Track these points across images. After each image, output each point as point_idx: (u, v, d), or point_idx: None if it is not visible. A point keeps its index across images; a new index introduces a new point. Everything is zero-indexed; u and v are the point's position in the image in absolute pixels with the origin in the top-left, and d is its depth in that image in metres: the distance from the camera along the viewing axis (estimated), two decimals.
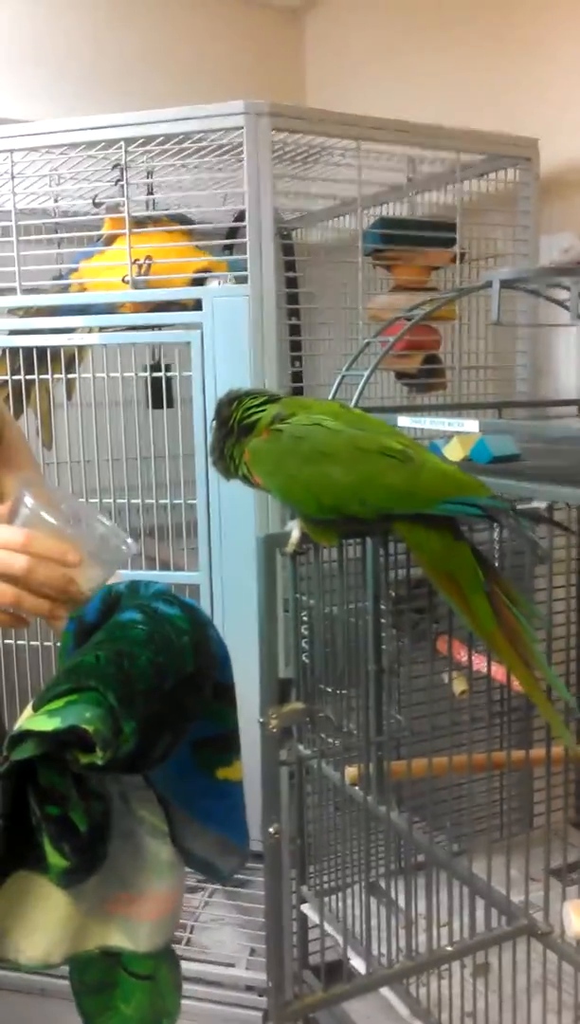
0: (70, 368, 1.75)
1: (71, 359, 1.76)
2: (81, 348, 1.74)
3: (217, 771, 0.91)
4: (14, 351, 1.73)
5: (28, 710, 0.79)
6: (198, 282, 1.65)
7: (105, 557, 0.80)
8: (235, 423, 0.95)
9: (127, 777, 0.84)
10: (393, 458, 0.87)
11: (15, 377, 1.73)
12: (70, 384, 1.79)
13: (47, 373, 1.71)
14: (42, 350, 1.70)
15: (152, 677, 0.78)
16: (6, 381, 1.74)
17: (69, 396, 1.79)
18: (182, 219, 1.75)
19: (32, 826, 0.76)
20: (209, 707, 0.89)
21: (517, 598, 0.90)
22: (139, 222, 1.67)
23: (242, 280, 1.57)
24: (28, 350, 1.70)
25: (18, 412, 1.77)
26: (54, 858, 0.75)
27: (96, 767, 0.74)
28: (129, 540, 0.82)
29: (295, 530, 0.94)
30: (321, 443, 0.88)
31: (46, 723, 0.74)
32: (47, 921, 0.82)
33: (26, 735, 0.74)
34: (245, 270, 1.56)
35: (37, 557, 0.75)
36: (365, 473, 0.87)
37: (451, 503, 0.87)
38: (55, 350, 1.70)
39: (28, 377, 1.72)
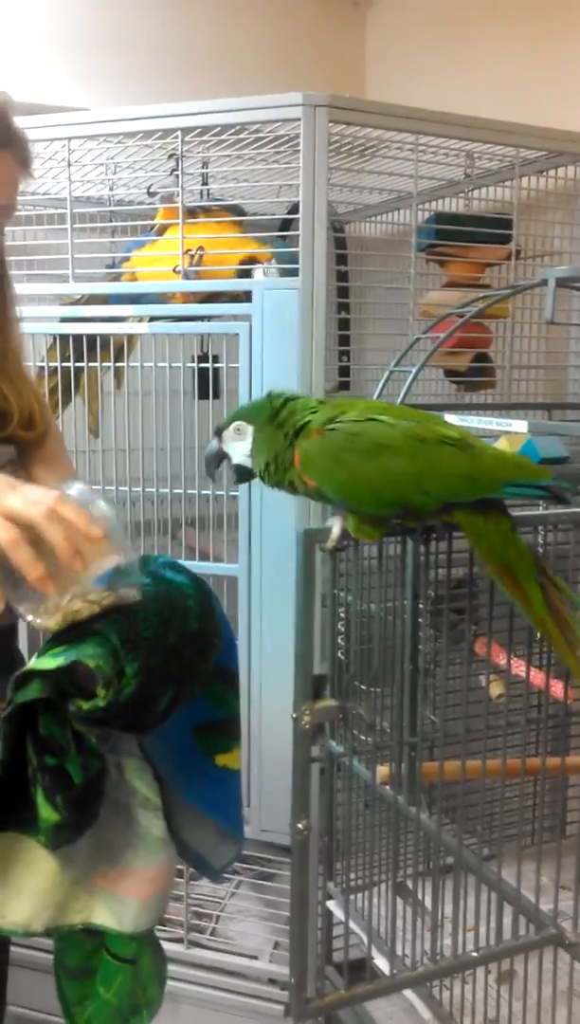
0: (120, 357, 1.76)
1: (121, 348, 1.77)
2: (131, 337, 1.75)
3: (216, 756, 0.92)
4: (64, 339, 1.74)
5: (32, 660, 0.79)
6: (245, 274, 1.65)
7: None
8: (291, 428, 0.90)
9: (124, 746, 0.85)
10: (453, 446, 0.86)
11: (64, 364, 1.74)
12: (119, 373, 1.80)
13: (97, 361, 1.72)
14: (92, 338, 1.71)
15: (156, 627, 0.79)
16: (56, 369, 1.76)
17: (118, 385, 1.80)
18: (236, 210, 1.74)
19: (25, 783, 0.77)
20: (212, 688, 0.89)
21: (564, 588, 0.91)
22: (192, 212, 1.67)
23: (292, 272, 1.56)
24: (79, 338, 1.71)
25: (67, 400, 1.79)
26: (46, 811, 0.76)
27: (98, 713, 0.75)
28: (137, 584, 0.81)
29: (335, 526, 0.93)
30: (379, 436, 0.86)
31: (49, 662, 0.75)
32: (33, 886, 0.82)
33: (30, 676, 0.75)
34: (293, 260, 1.56)
35: (60, 519, 0.73)
36: (427, 462, 0.86)
37: (515, 486, 0.87)
38: (105, 339, 1.71)
39: (78, 364, 1.73)
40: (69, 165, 1.67)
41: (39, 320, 1.75)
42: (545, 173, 1.81)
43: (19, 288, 1.75)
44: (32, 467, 1.11)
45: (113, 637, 0.76)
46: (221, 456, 0.94)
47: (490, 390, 1.80)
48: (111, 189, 1.78)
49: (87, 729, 0.77)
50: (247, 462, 0.93)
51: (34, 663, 0.76)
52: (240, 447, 0.92)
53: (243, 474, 0.94)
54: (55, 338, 1.75)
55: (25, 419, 1.08)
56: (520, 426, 1.26)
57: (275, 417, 0.91)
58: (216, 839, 0.95)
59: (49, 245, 1.73)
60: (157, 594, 0.82)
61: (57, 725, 0.76)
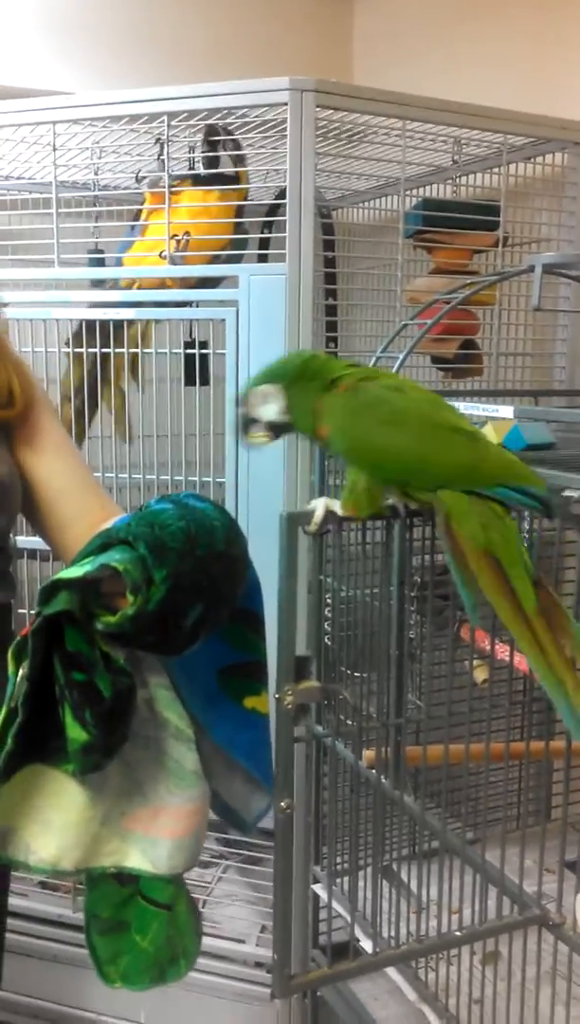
0: (139, 346, 1.75)
1: (142, 337, 1.76)
2: (146, 327, 1.73)
3: (244, 699, 0.91)
4: (89, 325, 1.72)
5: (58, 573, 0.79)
6: (232, 259, 1.64)
7: None
8: (327, 377, 0.93)
9: (154, 678, 0.83)
10: (462, 437, 0.89)
11: (85, 349, 1.73)
12: (134, 364, 1.78)
13: (121, 347, 1.70)
14: (118, 325, 1.68)
15: (184, 541, 0.79)
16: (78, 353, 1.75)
17: (134, 376, 1.77)
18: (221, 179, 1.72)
19: (51, 707, 0.76)
20: (237, 630, 0.89)
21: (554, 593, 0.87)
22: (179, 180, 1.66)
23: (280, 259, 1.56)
24: (105, 325, 1.69)
25: (93, 409, 1.78)
26: (74, 731, 0.75)
27: (126, 625, 0.74)
28: None
29: (319, 508, 0.93)
30: (399, 410, 0.89)
31: (77, 571, 0.75)
32: (61, 820, 0.80)
33: (57, 587, 0.74)
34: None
35: None
36: (434, 446, 0.88)
37: (509, 488, 0.87)
38: (126, 328, 1.69)
39: (104, 350, 1.71)
40: (55, 149, 1.66)
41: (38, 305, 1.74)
42: (533, 159, 1.81)
43: (4, 273, 1.75)
44: (17, 449, 1.07)
45: (141, 546, 0.76)
46: (252, 420, 0.96)
47: (477, 377, 1.80)
48: (96, 174, 1.77)
49: (114, 650, 0.76)
50: (282, 418, 0.95)
51: (61, 573, 0.75)
52: (269, 409, 0.94)
53: (278, 430, 0.96)
54: (81, 324, 1.73)
55: (3, 397, 1.04)
56: (506, 412, 1.26)
57: (305, 372, 0.93)
58: (246, 788, 0.93)
59: (35, 230, 1.72)
60: (181, 514, 0.81)
61: (85, 642, 0.75)
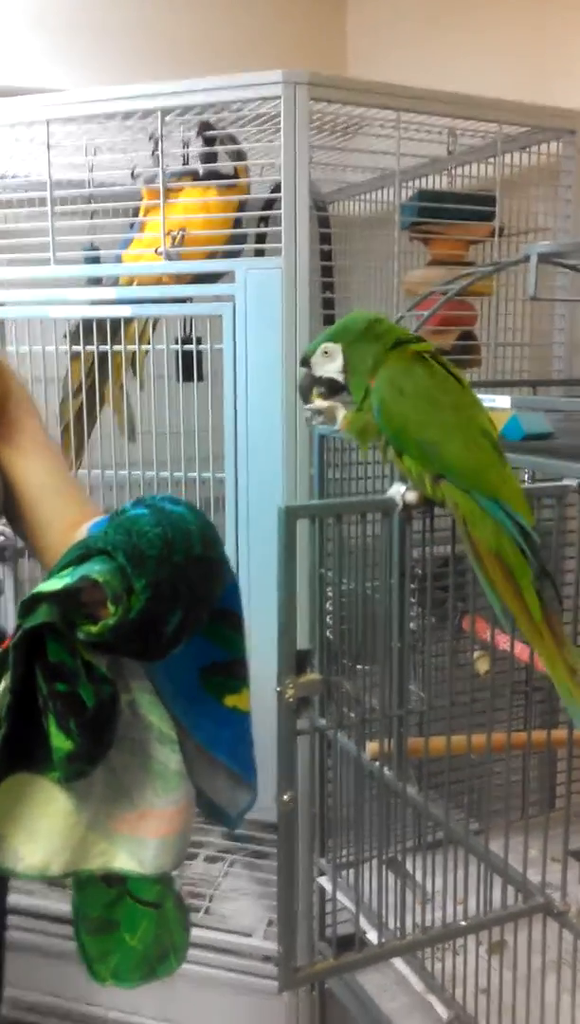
0: (142, 342, 1.75)
1: (141, 334, 1.75)
2: (145, 324, 1.73)
3: (225, 697, 0.91)
4: (87, 324, 1.72)
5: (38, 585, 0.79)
6: (230, 253, 1.63)
7: None
8: (392, 339, 0.97)
9: (137, 682, 0.84)
10: (486, 441, 0.92)
11: (82, 347, 1.73)
12: (135, 361, 1.78)
13: (119, 344, 1.70)
14: (116, 323, 1.68)
15: (161, 548, 0.79)
16: (77, 353, 1.75)
17: (135, 374, 1.78)
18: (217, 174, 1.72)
19: (35, 717, 0.76)
20: (217, 629, 0.90)
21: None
22: (177, 177, 1.66)
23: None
24: (101, 323, 1.69)
25: (93, 408, 1.78)
26: (59, 740, 0.75)
27: (108, 635, 0.75)
28: None
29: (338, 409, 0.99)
30: (448, 390, 0.93)
31: (56, 583, 0.75)
32: (47, 827, 0.81)
33: (37, 600, 0.75)
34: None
35: None
36: (458, 435, 0.92)
37: (499, 505, 0.90)
38: (124, 326, 1.69)
39: (102, 348, 1.72)
40: (49, 148, 1.66)
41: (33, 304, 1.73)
42: (528, 149, 1.80)
43: (1, 272, 1.75)
44: None
45: (120, 556, 0.77)
46: (314, 379, 1.01)
47: (475, 368, 1.80)
48: (91, 171, 1.77)
49: (96, 659, 0.77)
50: (339, 377, 1.00)
51: (40, 586, 0.76)
52: (331, 367, 1.00)
53: (334, 390, 1.01)
54: (77, 324, 1.73)
55: None
56: (504, 402, 1.26)
57: (368, 332, 0.97)
58: (229, 785, 0.94)
59: (31, 228, 1.72)
60: (158, 520, 0.82)
61: (67, 653, 0.76)
